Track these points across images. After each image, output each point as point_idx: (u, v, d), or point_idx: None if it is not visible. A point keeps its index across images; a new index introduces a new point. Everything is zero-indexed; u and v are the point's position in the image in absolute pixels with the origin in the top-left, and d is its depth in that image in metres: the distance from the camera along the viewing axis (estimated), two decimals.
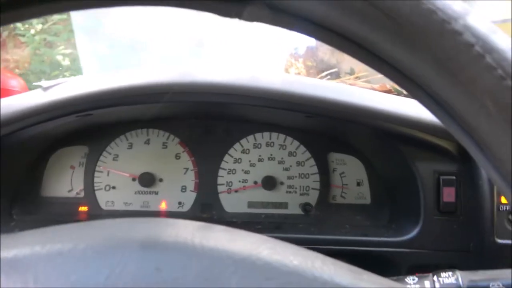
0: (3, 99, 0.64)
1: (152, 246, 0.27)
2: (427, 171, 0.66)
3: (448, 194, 0.65)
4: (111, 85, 0.58)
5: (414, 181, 0.66)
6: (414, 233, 0.65)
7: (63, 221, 0.71)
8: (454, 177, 0.65)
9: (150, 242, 0.27)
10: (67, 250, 0.25)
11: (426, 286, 0.42)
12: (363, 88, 0.71)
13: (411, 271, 0.64)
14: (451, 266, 0.65)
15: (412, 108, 0.64)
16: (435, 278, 0.42)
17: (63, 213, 0.77)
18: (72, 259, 0.25)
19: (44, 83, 0.63)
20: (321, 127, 0.76)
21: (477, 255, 0.62)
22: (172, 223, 0.31)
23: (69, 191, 0.80)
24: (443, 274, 0.42)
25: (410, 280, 0.43)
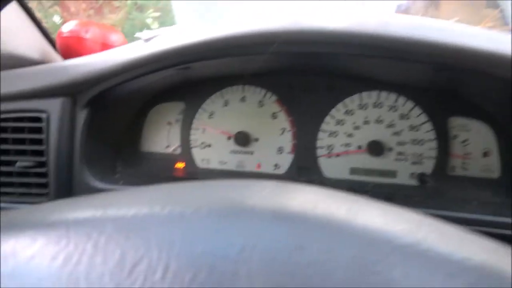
0: (105, 52, 0.64)
1: (288, 216, 0.21)
2: None
3: None
4: (213, 35, 0.53)
5: None
6: None
7: (162, 177, 0.69)
8: None
9: (285, 212, 0.21)
10: (189, 213, 0.21)
11: None
12: None
13: None
14: None
15: None
16: None
17: (161, 169, 0.77)
18: (197, 223, 0.20)
19: (144, 34, 0.61)
20: (447, 83, 0.64)
21: None
22: (306, 190, 0.25)
23: (166, 147, 0.80)
24: None
25: None
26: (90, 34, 0.76)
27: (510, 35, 0.53)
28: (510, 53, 0.49)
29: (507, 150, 0.66)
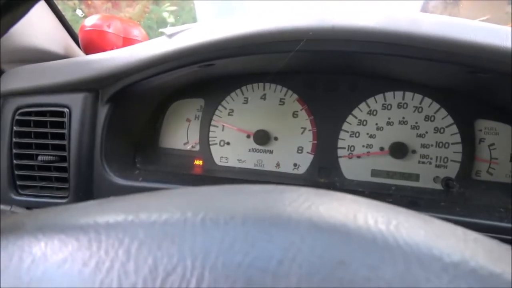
0: (129, 47, 0.64)
1: (327, 228, 0.20)
2: None
3: None
4: (241, 32, 0.52)
5: None
6: None
7: (181, 173, 0.68)
8: None
9: (324, 222, 0.20)
10: (224, 221, 0.20)
11: None
12: None
13: None
14: None
15: None
16: None
17: (179, 166, 0.77)
18: (232, 232, 0.20)
19: (168, 30, 0.60)
20: (476, 86, 0.62)
21: None
22: (344, 199, 0.24)
23: (185, 143, 0.80)
24: None
25: None
26: (112, 28, 0.76)
27: None
28: None
29: None
